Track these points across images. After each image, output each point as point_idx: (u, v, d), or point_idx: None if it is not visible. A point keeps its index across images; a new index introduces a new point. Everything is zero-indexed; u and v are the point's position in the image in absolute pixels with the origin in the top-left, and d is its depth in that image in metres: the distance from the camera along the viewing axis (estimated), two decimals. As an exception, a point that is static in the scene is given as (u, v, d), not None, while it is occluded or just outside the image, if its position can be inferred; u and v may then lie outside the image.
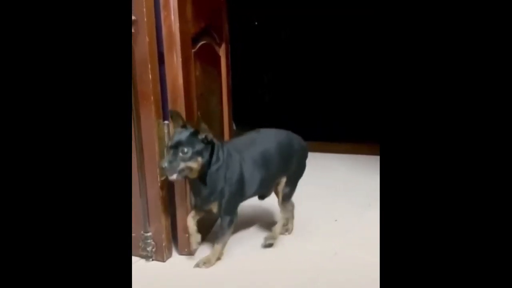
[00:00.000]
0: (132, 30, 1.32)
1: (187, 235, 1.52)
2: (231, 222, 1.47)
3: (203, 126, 1.34)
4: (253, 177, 1.47)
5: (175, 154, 1.31)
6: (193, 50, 1.51)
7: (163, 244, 1.49)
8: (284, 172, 1.57)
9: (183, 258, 1.53)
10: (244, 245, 1.62)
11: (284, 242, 1.65)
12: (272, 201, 1.68)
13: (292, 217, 1.72)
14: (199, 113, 1.42)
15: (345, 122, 3.94)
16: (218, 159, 1.39)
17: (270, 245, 1.59)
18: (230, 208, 1.46)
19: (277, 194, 1.63)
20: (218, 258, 1.49)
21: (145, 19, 1.32)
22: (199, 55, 1.57)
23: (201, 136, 1.34)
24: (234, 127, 3.21)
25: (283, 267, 1.47)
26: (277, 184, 1.60)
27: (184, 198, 1.51)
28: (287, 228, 1.71)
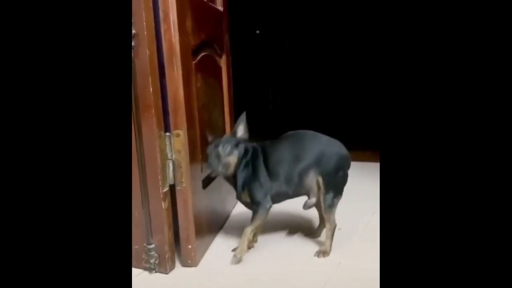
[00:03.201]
0: (133, 44, 1.34)
1: (190, 246, 1.52)
2: (263, 208, 1.55)
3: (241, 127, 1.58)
4: (277, 165, 1.56)
5: (218, 152, 1.52)
6: (193, 62, 1.52)
7: (166, 256, 1.49)
8: (317, 170, 1.54)
9: (186, 269, 1.53)
10: (249, 256, 1.61)
11: (287, 250, 1.64)
12: (280, 210, 1.68)
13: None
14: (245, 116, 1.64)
15: (349, 129, 3.94)
16: (246, 153, 1.57)
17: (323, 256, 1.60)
18: (260, 194, 1.55)
19: (319, 201, 1.61)
20: (249, 244, 1.61)
21: (145, 33, 1.33)
22: (200, 67, 1.58)
23: (238, 135, 1.58)
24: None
25: (286, 277, 1.46)
26: (318, 187, 1.57)
27: (187, 209, 1.51)
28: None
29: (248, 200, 1.60)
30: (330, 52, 4.16)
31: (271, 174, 1.56)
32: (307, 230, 1.81)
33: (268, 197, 1.57)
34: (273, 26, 4.41)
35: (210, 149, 1.54)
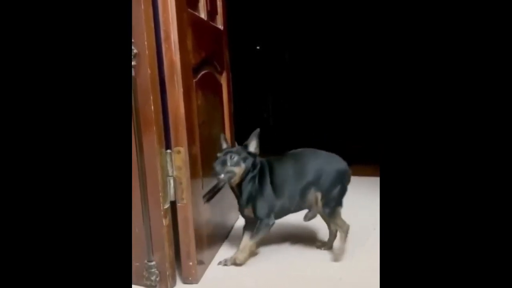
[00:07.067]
0: (134, 63, 1.36)
1: (190, 263, 1.52)
2: (266, 225, 1.60)
3: (254, 142, 1.59)
4: (283, 183, 1.61)
5: (225, 160, 1.55)
6: (194, 80, 1.55)
7: (167, 273, 1.49)
8: (317, 187, 1.62)
9: (187, 286, 1.53)
10: (249, 270, 1.61)
11: (286, 266, 1.63)
12: (287, 221, 1.69)
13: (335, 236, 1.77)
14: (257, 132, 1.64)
15: (349, 144, 3.95)
16: (254, 168, 1.60)
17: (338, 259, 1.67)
18: (264, 211, 1.59)
19: (321, 215, 1.71)
20: (246, 257, 1.62)
21: (147, 52, 1.36)
22: (201, 84, 1.60)
23: (249, 149, 1.59)
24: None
25: (288, 294, 1.45)
26: (315, 202, 1.63)
27: (187, 226, 1.51)
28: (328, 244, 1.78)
29: (251, 215, 1.62)
30: (331, 68, 4.20)
31: (276, 191, 1.60)
32: (309, 241, 1.81)
33: (272, 215, 1.61)
34: (274, 41, 4.46)
35: (219, 155, 1.58)
